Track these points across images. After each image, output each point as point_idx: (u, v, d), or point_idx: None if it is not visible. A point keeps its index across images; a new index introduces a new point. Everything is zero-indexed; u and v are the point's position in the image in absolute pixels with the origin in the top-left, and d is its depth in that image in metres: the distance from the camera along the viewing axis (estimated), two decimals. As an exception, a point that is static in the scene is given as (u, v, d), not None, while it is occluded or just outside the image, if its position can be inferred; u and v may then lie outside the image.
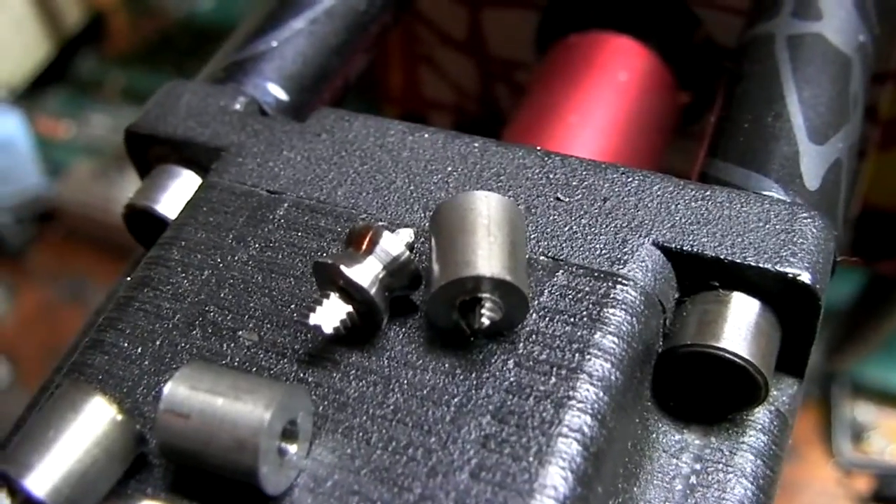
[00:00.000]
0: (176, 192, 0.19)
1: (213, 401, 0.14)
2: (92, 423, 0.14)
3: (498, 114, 0.32)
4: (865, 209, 0.31)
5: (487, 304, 0.14)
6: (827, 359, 0.44)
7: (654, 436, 0.17)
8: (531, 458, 0.14)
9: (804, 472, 0.44)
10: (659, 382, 0.17)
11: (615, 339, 0.15)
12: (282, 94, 0.21)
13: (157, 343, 0.16)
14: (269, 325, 0.16)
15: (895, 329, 0.40)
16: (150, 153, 0.20)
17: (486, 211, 0.15)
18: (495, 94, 0.21)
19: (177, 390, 0.14)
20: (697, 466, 0.16)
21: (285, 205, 0.18)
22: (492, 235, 0.15)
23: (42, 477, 0.14)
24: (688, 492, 0.16)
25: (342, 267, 0.15)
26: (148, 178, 0.20)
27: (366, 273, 0.15)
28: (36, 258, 0.57)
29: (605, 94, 0.24)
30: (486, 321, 0.14)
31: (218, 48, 0.22)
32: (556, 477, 0.14)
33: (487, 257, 0.15)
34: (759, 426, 0.17)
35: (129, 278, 0.17)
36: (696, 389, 0.17)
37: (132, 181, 0.20)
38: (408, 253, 0.15)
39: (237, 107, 0.20)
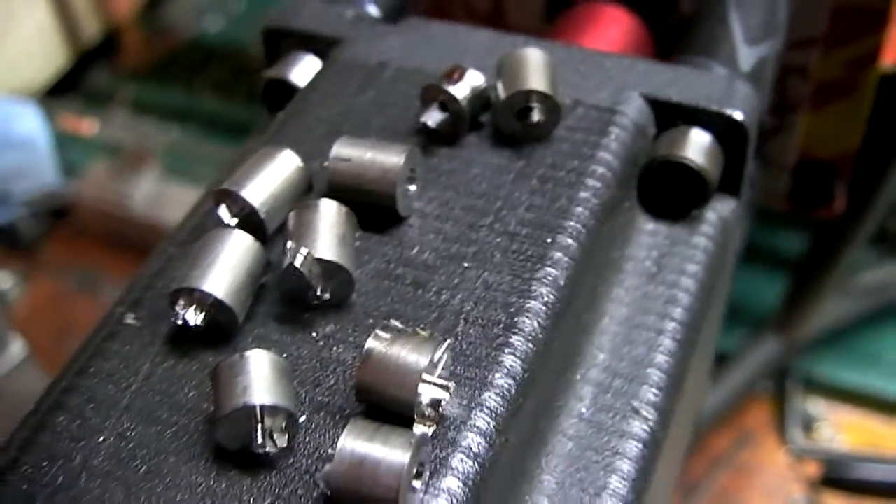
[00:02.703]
0: (304, 68, 0.29)
1: (365, 151, 0.23)
2: (283, 166, 0.23)
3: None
4: (803, 160, 0.42)
5: (536, 109, 0.24)
6: (786, 321, 0.51)
7: (637, 223, 0.26)
8: (564, 200, 0.23)
9: (759, 457, 0.51)
10: (642, 192, 0.26)
11: (615, 143, 0.25)
12: (376, 12, 0.31)
13: (308, 146, 0.25)
14: (386, 134, 0.25)
15: (841, 278, 0.48)
16: (281, 45, 0.30)
17: (534, 56, 0.25)
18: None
19: (342, 145, 0.23)
20: (667, 242, 0.26)
21: (390, 70, 0.27)
22: (538, 70, 0.25)
23: (253, 191, 0.22)
24: (661, 256, 0.26)
25: (443, 84, 0.24)
26: (281, 60, 0.29)
27: (458, 90, 0.24)
28: (49, 250, 0.64)
29: (598, 41, 0.35)
30: (535, 118, 0.24)
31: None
32: (579, 209, 0.23)
33: (536, 80, 0.24)
34: (709, 221, 0.26)
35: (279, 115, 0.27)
36: (666, 194, 0.26)
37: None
38: (484, 84, 0.25)
39: (348, 13, 0.29)
